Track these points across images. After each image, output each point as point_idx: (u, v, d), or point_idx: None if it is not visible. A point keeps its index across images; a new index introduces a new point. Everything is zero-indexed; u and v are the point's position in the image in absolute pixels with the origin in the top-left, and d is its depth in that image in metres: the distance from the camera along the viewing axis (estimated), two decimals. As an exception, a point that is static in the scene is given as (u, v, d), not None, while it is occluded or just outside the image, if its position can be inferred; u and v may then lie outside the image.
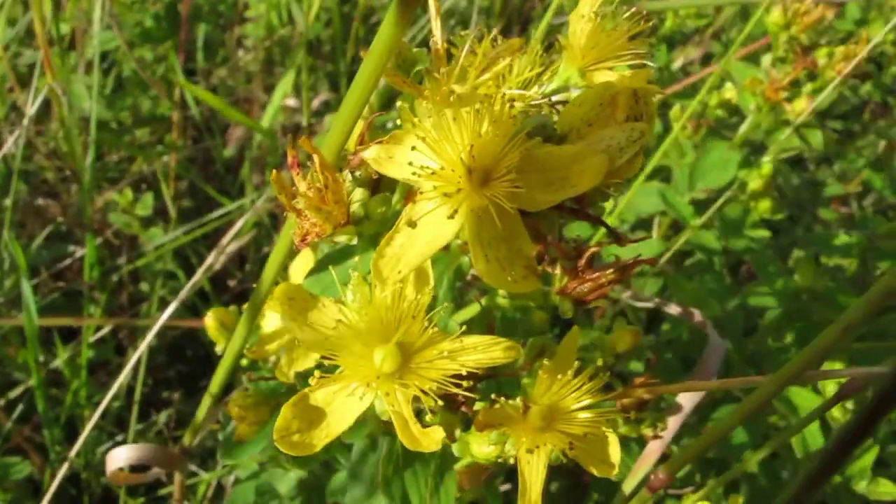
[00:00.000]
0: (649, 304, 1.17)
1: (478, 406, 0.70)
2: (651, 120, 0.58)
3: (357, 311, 0.63)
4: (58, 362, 2.03)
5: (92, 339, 2.05)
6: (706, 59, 2.26)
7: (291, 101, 2.79)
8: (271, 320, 0.92)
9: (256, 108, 2.85)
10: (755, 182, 1.45)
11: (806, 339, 1.43)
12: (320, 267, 0.79)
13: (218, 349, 0.95)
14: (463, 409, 0.69)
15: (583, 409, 0.67)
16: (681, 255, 1.82)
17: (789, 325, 1.44)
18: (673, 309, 1.09)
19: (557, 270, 0.69)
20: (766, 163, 1.53)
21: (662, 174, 1.75)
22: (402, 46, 0.71)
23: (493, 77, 0.68)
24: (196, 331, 2.36)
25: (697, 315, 1.05)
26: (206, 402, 0.97)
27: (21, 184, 2.17)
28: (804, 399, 1.31)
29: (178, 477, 1.32)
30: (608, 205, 2.01)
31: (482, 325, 0.76)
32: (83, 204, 2.06)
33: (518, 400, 0.67)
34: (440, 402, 0.61)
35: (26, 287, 1.77)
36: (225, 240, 2.27)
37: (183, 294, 1.82)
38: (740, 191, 1.49)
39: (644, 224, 1.83)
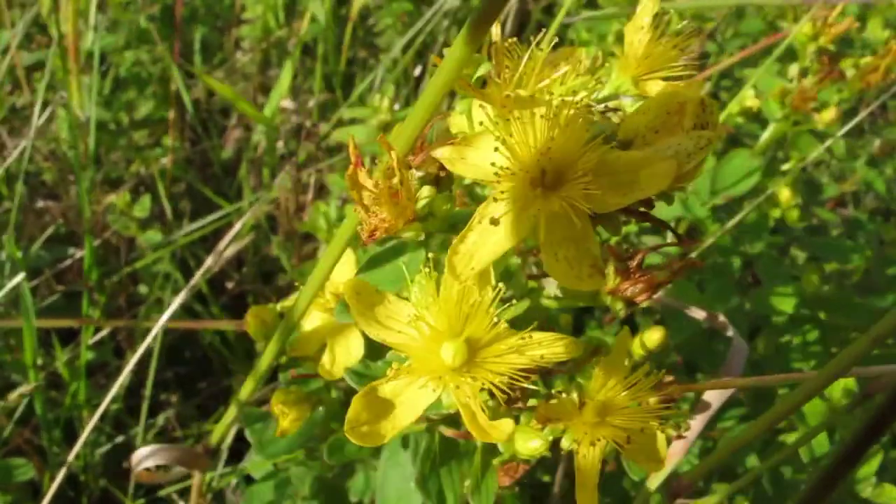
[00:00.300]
0: (677, 308, 1.20)
1: (531, 403, 0.73)
2: (715, 128, 0.61)
3: (424, 307, 0.65)
4: (57, 364, 2.01)
5: (91, 341, 2.04)
6: (702, 57, 2.30)
7: (288, 103, 2.80)
8: (313, 319, 0.93)
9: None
10: (783, 191, 1.48)
11: (815, 344, 1.46)
12: (370, 266, 0.81)
13: (258, 347, 0.96)
14: (519, 404, 0.71)
15: (634, 404, 0.70)
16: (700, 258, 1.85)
17: (796, 330, 1.48)
18: (697, 313, 1.12)
19: (610, 271, 0.72)
20: (791, 171, 1.56)
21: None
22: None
23: (551, 83, 0.70)
24: (194, 333, 2.36)
25: (721, 317, 1.08)
26: (245, 395, 0.98)
27: (21, 186, 2.15)
28: (811, 405, 1.33)
29: (197, 476, 1.32)
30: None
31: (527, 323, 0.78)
32: (81, 206, 2.05)
33: (574, 395, 0.70)
34: (511, 395, 0.63)
35: (25, 288, 1.76)
36: (223, 243, 2.27)
37: (182, 296, 1.82)
38: (766, 200, 1.52)
39: (657, 229, 1.86)
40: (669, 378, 0.95)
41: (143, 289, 2.42)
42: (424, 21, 2.53)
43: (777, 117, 1.48)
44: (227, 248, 2.44)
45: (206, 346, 2.38)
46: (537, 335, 0.65)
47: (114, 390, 1.58)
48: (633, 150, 0.62)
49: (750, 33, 2.09)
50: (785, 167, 1.51)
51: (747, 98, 1.50)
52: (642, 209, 0.63)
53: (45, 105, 2.13)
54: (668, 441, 1.07)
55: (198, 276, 2.13)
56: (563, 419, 0.69)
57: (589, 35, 1.47)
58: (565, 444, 0.71)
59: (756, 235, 1.47)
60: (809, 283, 1.42)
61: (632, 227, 1.44)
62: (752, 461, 1.46)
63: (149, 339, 1.65)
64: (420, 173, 0.70)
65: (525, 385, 0.63)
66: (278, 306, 0.99)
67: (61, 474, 1.63)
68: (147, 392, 1.97)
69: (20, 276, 1.71)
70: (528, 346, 0.64)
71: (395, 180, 0.63)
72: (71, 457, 1.68)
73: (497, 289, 0.65)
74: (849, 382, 1.15)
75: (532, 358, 0.63)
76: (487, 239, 0.61)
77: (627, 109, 0.70)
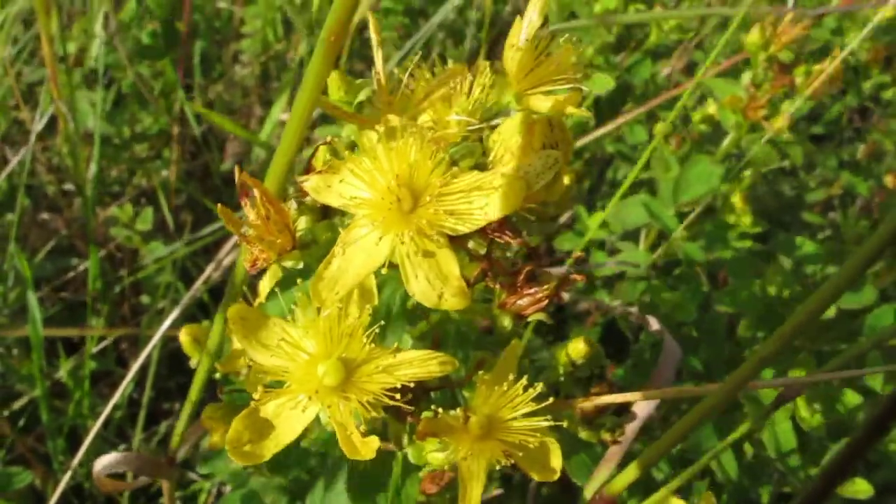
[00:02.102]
0: (616, 311, 1.21)
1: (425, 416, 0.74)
2: (567, 146, 0.62)
3: (304, 330, 0.67)
4: (61, 373, 2.08)
5: (94, 350, 2.10)
6: (690, 69, 2.29)
7: (286, 116, 2.84)
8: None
9: (254, 122, 2.91)
10: (736, 197, 1.49)
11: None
12: (280, 288, 0.84)
13: (192, 363, 0.99)
14: (409, 419, 0.73)
15: (519, 418, 0.71)
16: (668, 265, 1.85)
17: (763, 329, 1.48)
18: (635, 316, 1.12)
19: (498, 287, 0.73)
20: (747, 177, 1.56)
21: (648, 186, 1.79)
22: (345, 79, 0.75)
23: (434, 104, 0.72)
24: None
25: (654, 323, 1.09)
26: (186, 412, 1.02)
27: (25, 198, 2.23)
28: (769, 397, 1.33)
29: (165, 484, 1.37)
30: (595, 217, 2.03)
31: (441, 338, 0.80)
32: (87, 217, 2.12)
33: (459, 410, 0.71)
34: (381, 414, 0.65)
35: (32, 298, 1.82)
36: (222, 252, 2.32)
37: (184, 303, 1.87)
38: (724, 206, 1.53)
39: (631, 235, 1.87)
40: (596, 389, 0.96)
41: (145, 299, 2.49)
42: (420, 34, 2.54)
43: (730, 125, 1.47)
44: (227, 257, 2.50)
45: (207, 354, 2.43)
46: (409, 354, 0.66)
47: (116, 398, 1.64)
48: (487, 172, 0.63)
49: (730, 42, 2.08)
50: (746, 173, 1.51)
51: (709, 105, 1.50)
52: (497, 229, 0.64)
53: (48, 119, 2.21)
54: (606, 446, 1.08)
55: (198, 284, 2.19)
56: (445, 434, 0.71)
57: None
58: (450, 457, 0.72)
59: (722, 242, 1.48)
60: (773, 282, 1.41)
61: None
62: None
63: (149, 348, 1.70)
64: (308, 200, 0.72)
65: (394, 403, 0.64)
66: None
67: (65, 482, 1.69)
68: (144, 399, 2.03)
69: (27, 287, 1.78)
70: (399, 366, 0.66)
71: (263, 212, 0.65)
72: (74, 464, 1.74)
73: (369, 310, 0.66)
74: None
75: (402, 377, 0.65)
76: (350, 264, 0.63)
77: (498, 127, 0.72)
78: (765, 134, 1.48)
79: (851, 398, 1.21)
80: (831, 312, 1.41)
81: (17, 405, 2.11)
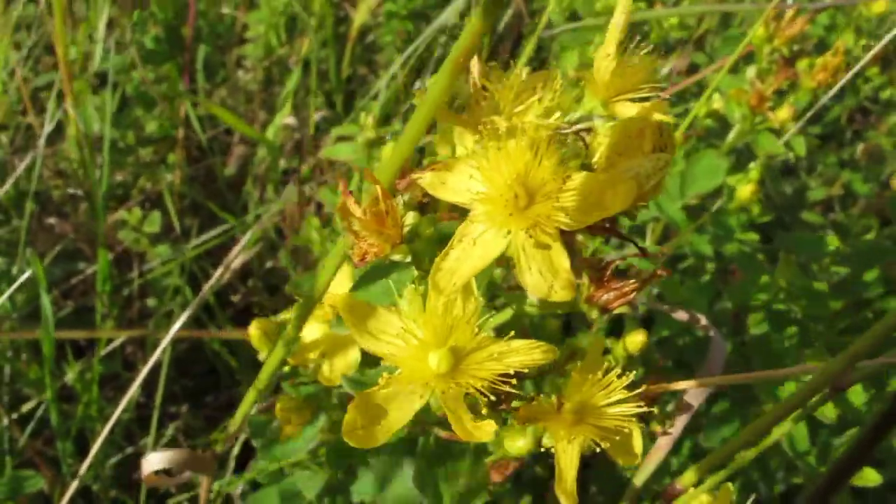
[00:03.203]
0: (660, 309, 1.26)
1: (515, 405, 0.78)
2: (673, 150, 0.67)
3: (412, 319, 0.71)
4: (69, 377, 2.07)
5: (102, 353, 2.10)
6: (691, 68, 2.36)
7: (290, 120, 2.86)
8: (312, 330, 0.99)
9: (257, 127, 2.92)
10: (744, 188, 1.54)
11: (792, 337, 1.52)
12: (362, 283, 0.87)
13: (261, 357, 1.02)
14: (502, 407, 0.77)
15: (610, 405, 0.75)
16: (673, 259, 1.91)
17: (774, 323, 1.53)
18: (680, 315, 1.17)
19: (585, 281, 0.78)
20: (754, 169, 1.62)
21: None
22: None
23: (526, 108, 0.76)
24: (202, 346, 2.42)
25: (703, 319, 1.14)
26: (248, 402, 1.04)
27: (32, 203, 2.22)
28: (789, 391, 1.39)
29: (205, 480, 1.38)
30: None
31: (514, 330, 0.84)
32: (97, 220, 2.12)
33: (552, 398, 0.76)
34: (492, 399, 0.69)
35: (45, 300, 1.82)
36: (231, 255, 2.33)
37: (192, 307, 1.88)
38: (729, 197, 1.58)
39: (638, 229, 1.93)
40: (650, 379, 1.01)
41: (151, 302, 2.49)
42: (422, 38, 2.58)
43: (736, 118, 1.54)
44: (235, 259, 2.51)
45: (214, 358, 2.44)
46: (516, 343, 0.70)
47: (124, 401, 1.64)
48: (598, 171, 0.68)
49: (736, 38, 2.16)
50: (752, 165, 1.57)
51: (714, 100, 1.56)
52: (606, 225, 0.69)
53: (56, 124, 2.20)
54: (654, 437, 1.13)
55: (207, 287, 2.20)
56: (542, 419, 0.75)
57: (571, 48, 1.54)
58: (546, 441, 0.77)
59: (728, 235, 1.53)
60: (784, 274, 1.47)
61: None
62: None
63: (160, 349, 1.71)
64: (405, 198, 0.76)
65: (506, 389, 0.68)
66: (280, 317, 1.05)
67: (74, 485, 1.69)
68: (158, 401, 2.03)
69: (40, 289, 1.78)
70: (508, 354, 0.70)
71: (381, 208, 0.69)
72: (83, 468, 1.74)
73: (477, 300, 0.70)
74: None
75: (511, 364, 0.69)
76: (467, 257, 0.67)
77: (599, 130, 0.76)
78: (770, 125, 1.54)
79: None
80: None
81: (25, 408, 2.10)
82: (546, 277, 0.67)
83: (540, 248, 0.67)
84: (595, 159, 0.70)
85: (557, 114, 0.79)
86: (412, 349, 0.70)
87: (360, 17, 2.44)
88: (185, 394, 2.47)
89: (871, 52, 1.42)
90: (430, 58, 2.83)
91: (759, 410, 1.51)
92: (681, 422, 1.05)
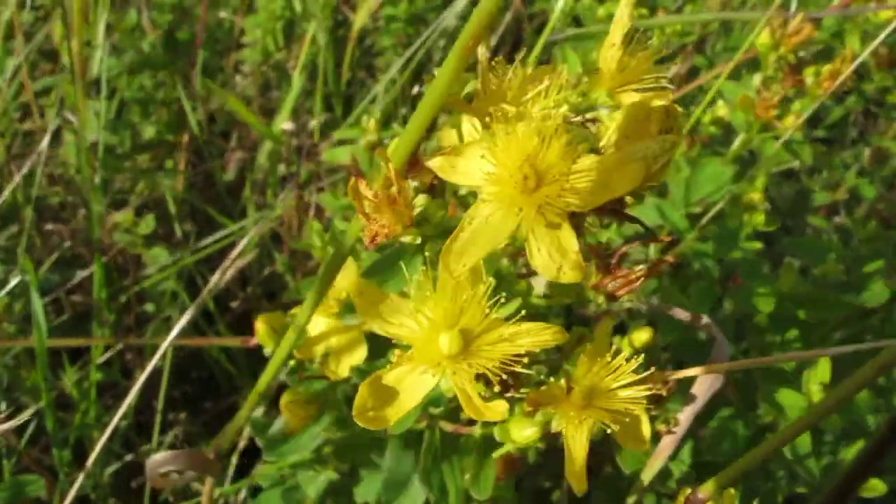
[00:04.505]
0: (661, 310, 1.26)
1: (523, 390, 0.79)
2: (679, 132, 0.68)
3: (423, 302, 0.72)
4: (66, 384, 2.07)
5: (99, 360, 2.09)
6: (692, 72, 2.38)
7: (288, 125, 2.87)
8: (317, 324, 1.00)
9: (254, 134, 2.93)
10: (750, 196, 1.55)
11: (795, 342, 1.52)
12: (373, 269, 0.88)
13: (266, 352, 1.02)
14: (510, 392, 0.77)
15: (618, 388, 0.76)
16: (676, 267, 1.92)
17: (776, 329, 1.54)
18: (681, 314, 1.18)
19: (592, 269, 0.78)
20: (760, 176, 1.63)
21: (658, 188, 1.85)
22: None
23: (533, 97, 0.77)
24: (201, 353, 2.42)
25: (705, 318, 1.15)
26: (252, 402, 1.04)
27: (29, 209, 2.22)
28: (789, 398, 1.39)
29: (208, 482, 1.38)
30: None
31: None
32: (91, 226, 2.12)
33: (561, 381, 0.76)
34: (504, 378, 0.69)
35: (38, 306, 1.81)
36: (230, 257, 2.33)
37: (190, 312, 1.88)
38: (734, 204, 1.59)
39: (640, 236, 1.93)
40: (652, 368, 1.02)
41: (149, 307, 2.48)
42: (421, 41, 2.60)
43: (741, 125, 1.55)
44: (234, 262, 2.50)
45: (213, 364, 2.43)
46: (526, 325, 0.71)
47: (123, 408, 1.63)
48: (606, 154, 0.69)
49: (738, 47, 2.18)
50: (758, 172, 1.58)
51: (719, 107, 1.57)
52: (614, 207, 0.69)
53: (54, 130, 2.21)
54: (658, 436, 1.13)
55: (206, 292, 2.19)
56: (552, 404, 0.75)
57: (573, 52, 1.55)
58: (555, 425, 0.77)
59: (732, 243, 1.54)
60: (786, 281, 1.48)
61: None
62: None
63: (158, 355, 1.70)
64: (415, 183, 0.77)
65: (516, 370, 0.69)
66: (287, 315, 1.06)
67: (72, 494, 1.67)
68: (160, 406, 2.02)
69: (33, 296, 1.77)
70: (518, 335, 0.70)
71: (393, 189, 0.69)
72: (81, 476, 1.73)
73: (487, 283, 0.71)
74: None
75: (522, 345, 0.70)
76: (477, 237, 0.68)
77: (604, 119, 0.77)
78: (776, 133, 1.55)
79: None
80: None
81: (23, 416, 2.09)
82: (555, 258, 0.68)
83: (549, 228, 0.67)
84: (602, 143, 0.71)
85: (564, 106, 0.80)
86: (423, 331, 0.71)
87: (359, 20, 2.45)
88: (184, 400, 2.46)
89: (868, 50, 1.43)
90: (430, 62, 2.84)
91: (761, 418, 1.51)
92: (685, 419, 1.05)
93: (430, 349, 0.70)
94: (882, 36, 1.34)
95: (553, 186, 0.66)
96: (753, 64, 1.78)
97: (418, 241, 0.75)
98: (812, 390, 1.36)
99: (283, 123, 2.81)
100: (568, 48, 1.69)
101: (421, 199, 0.74)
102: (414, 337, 0.71)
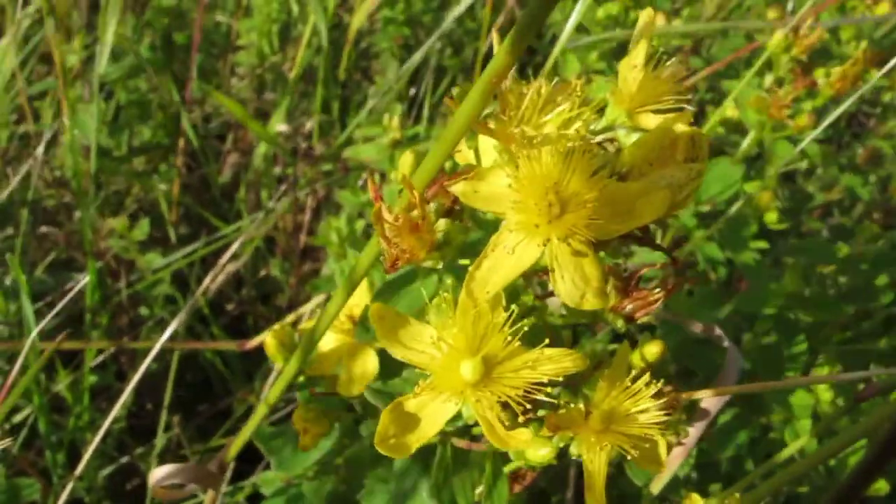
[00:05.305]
0: (674, 321, 1.26)
1: (541, 413, 0.78)
2: (704, 160, 0.68)
3: (443, 328, 0.71)
4: (60, 387, 2.05)
5: (93, 363, 2.08)
6: (690, 74, 2.38)
7: (283, 127, 2.86)
8: (328, 340, 0.99)
9: (250, 133, 2.91)
10: (763, 195, 1.57)
11: (799, 343, 1.53)
12: (386, 291, 0.87)
13: (276, 367, 1.01)
14: (527, 416, 0.77)
15: (637, 413, 0.76)
16: (683, 267, 1.91)
17: (780, 330, 1.55)
18: (697, 327, 1.18)
19: (611, 290, 0.78)
20: (772, 175, 1.64)
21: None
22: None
23: (553, 119, 0.77)
24: (195, 356, 2.40)
25: (717, 329, 1.15)
26: (260, 414, 1.04)
27: (25, 212, 2.19)
28: (799, 399, 1.40)
29: (210, 494, 1.37)
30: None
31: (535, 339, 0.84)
32: (84, 230, 2.10)
33: (580, 405, 0.76)
34: (526, 407, 0.69)
35: (28, 309, 1.79)
36: (222, 260, 2.32)
37: (184, 313, 1.86)
38: (746, 204, 1.59)
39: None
40: (669, 388, 1.02)
41: (144, 311, 2.46)
42: (422, 51, 2.58)
43: (754, 125, 1.56)
44: (227, 264, 2.49)
45: (207, 367, 2.42)
46: (548, 351, 0.71)
47: (115, 410, 1.62)
48: (630, 181, 0.69)
49: (734, 49, 2.19)
50: (769, 172, 1.59)
51: (728, 109, 1.58)
52: (639, 234, 0.69)
53: (51, 133, 2.18)
54: (669, 447, 1.13)
55: (198, 293, 2.18)
56: (571, 427, 0.75)
57: (573, 55, 1.56)
58: (574, 450, 0.77)
59: (742, 243, 1.55)
60: (790, 283, 1.49)
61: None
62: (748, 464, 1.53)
63: (150, 357, 1.69)
64: (434, 205, 0.76)
65: (539, 397, 0.69)
66: (299, 327, 1.05)
67: (65, 496, 1.66)
68: (165, 404, 2.01)
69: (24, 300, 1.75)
70: (540, 362, 0.70)
71: (416, 213, 0.69)
72: (75, 479, 1.71)
73: (510, 311, 0.71)
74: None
75: (544, 372, 0.69)
76: (501, 265, 0.67)
77: (622, 140, 0.77)
78: (786, 132, 1.57)
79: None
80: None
81: (16, 419, 2.07)
82: (578, 286, 0.67)
83: (574, 256, 0.67)
84: (625, 169, 0.70)
85: (581, 124, 0.80)
86: (445, 358, 0.70)
87: (356, 22, 2.44)
88: (180, 403, 2.44)
89: (861, 47, 1.46)
90: (427, 65, 2.83)
91: (768, 419, 1.52)
92: (695, 431, 1.05)
93: (452, 377, 0.69)
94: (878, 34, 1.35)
95: (577, 213, 0.66)
96: (751, 64, 1.78)
97: (439, 265, 0.75)
98: (821, 390, 1.37)
99: (279, 125, 2.80)
100: (569, 52, 1.69)
101: (442, 224, 0.73)
102: (435, 364, 0.71)
